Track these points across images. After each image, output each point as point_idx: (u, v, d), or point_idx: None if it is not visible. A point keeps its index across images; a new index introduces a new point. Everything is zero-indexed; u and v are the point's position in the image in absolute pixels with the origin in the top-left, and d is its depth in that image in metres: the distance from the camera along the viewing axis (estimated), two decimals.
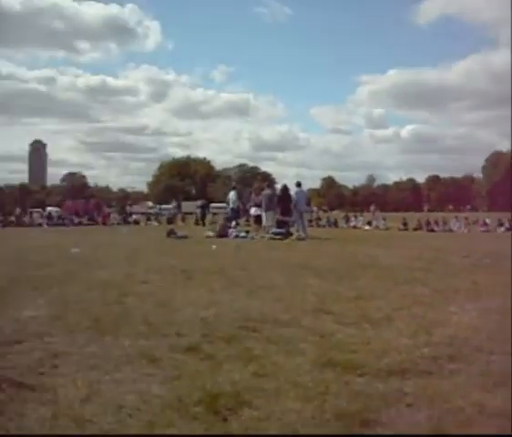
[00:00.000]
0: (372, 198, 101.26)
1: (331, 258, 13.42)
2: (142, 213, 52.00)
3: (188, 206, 64.86)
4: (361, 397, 3.66)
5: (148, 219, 44.36)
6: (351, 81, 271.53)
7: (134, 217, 44.36)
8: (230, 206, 28.45)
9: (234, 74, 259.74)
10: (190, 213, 47.46)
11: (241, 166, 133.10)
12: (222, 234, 22.41)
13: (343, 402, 3.55)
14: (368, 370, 4.20)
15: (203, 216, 38.51)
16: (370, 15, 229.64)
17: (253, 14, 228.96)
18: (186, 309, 6.42)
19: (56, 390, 3.78)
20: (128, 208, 49.35)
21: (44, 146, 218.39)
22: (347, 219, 40.49)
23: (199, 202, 44.41)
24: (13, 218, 37.74)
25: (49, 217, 40.60)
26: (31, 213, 44.44)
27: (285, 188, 23.74)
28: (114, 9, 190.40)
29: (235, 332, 5.35)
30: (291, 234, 21.48)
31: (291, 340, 5.10)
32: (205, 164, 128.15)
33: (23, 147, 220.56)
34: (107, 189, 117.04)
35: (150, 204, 78.10)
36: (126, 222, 40.49)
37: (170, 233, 21.77)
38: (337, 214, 61.33)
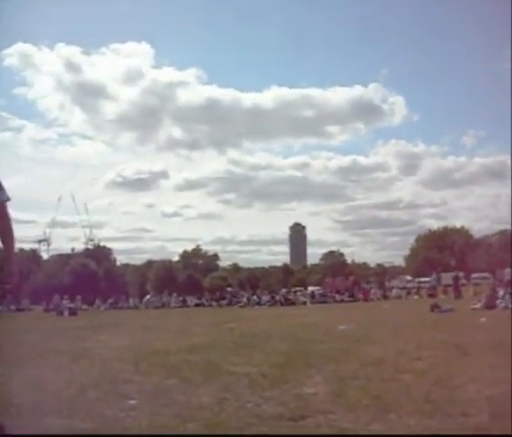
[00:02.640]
0: None
1: None
2: (401, 287, 51.28)
3: (447, 278, 62.43)
4: None
5: (408, 293, 43.64)
6: None
7: (394, 291, 44.00)
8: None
9: (486, 136, 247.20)
10: (450, 285, 45.62)
11: (503, 232, 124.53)
12: (490, 305, 21.08)
13: None
14: None
15: (456, 287, 36.86)
16: None
17: (498, 70, 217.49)
18: (467, 387, 6.07)
19: None
20: (386, 284, 49.23)
21: (303, 228, 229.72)
22: None
23: (450, 274, 42.82)
24: (278, 298, 39.99)
25: (312, 295, 42.17)
26: (294, 292, 46.60)
27: None
28: (358, 91, 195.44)
29: None
30: None
31: None
32: (463, 233, 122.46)
33: (284, 231, 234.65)
34: (364, 266, 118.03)
35: (408, 278, 76.72)
36: (385, 297, 40.35)
37: (434, 307, 21.03)
38: None
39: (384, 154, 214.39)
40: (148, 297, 44.93)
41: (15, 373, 8.16)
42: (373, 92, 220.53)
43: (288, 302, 38.19)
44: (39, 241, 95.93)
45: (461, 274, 47.39)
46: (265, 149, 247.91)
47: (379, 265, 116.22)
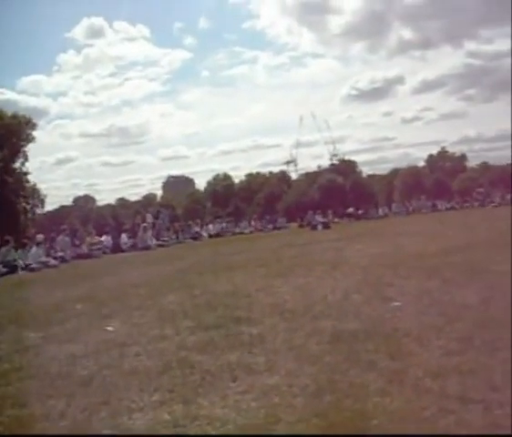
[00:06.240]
0: None
1: None
2: None
3: None
4: None
5: None
6: None
7: None
8: None
9: None
10: None
11: None
12: None
13: None
14: None
15: None
16: None
17: None
18: None
19: None
20: None
21: None
22: None
23: None
24: None
25: None
26: None
27: None
28: None
29: None
30: None
31: None
32: None
33: None
34: None
35: None
36: None
37: None
38: None
39: None
40: (394, 204, 44.80)
41: (283, 283, 8.84)
42: None
43: None
44: (287, 163, 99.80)
45: None
46: (505, 35, 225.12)
47: None
